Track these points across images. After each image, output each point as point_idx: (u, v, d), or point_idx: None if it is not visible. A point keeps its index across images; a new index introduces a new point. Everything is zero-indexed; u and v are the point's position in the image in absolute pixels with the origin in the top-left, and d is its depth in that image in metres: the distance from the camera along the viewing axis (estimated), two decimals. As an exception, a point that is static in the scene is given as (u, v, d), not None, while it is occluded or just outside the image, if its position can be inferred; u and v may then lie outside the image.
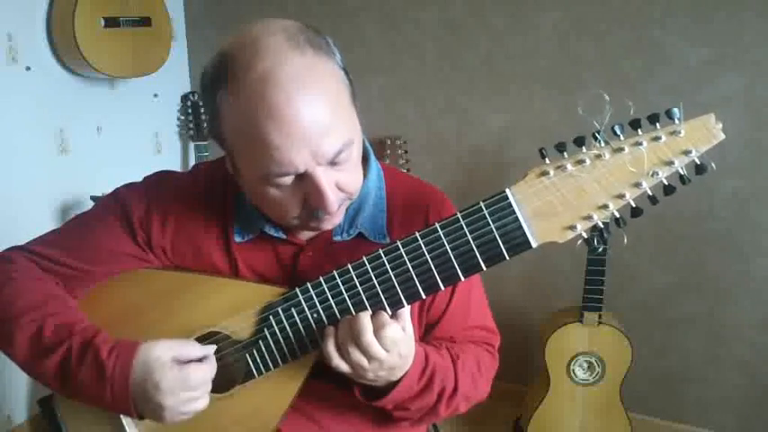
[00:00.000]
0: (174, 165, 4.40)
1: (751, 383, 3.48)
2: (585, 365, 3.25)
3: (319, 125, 1.30)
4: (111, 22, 3.59)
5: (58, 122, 3.72)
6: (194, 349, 1.50)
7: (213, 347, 1.52)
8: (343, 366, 1.41)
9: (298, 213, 1.44)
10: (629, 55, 3.36)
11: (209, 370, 1.49)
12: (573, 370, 3.25)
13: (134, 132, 4.21)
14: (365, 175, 1.59)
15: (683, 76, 3.28)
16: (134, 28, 3.71)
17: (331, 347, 1.42)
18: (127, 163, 4.10)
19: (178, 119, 4.35)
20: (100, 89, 3.96)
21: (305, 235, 1.61)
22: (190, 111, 4.19)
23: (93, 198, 3.70)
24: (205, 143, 4.16)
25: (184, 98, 4.23)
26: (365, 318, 1.38)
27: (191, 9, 4.47)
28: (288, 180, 1.37)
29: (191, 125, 4.18)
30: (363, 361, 1.38)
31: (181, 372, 1.44)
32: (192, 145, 4.32)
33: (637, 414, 3.58)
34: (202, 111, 4.16)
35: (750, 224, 3.31)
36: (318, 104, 1.30)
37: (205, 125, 4.09)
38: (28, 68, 3.54)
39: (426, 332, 1.69)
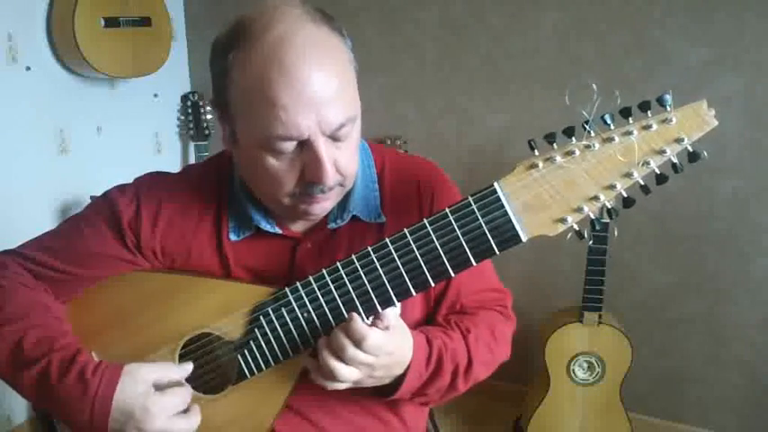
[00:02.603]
0: (174, 165, 4.40)
1: (751, 383, 3.47)
2: (585, 365, 3.25)
3: (328, 93, 1.33)
4: (111, 22, 3.60)
5: (58, 122, 3.73)
6: (174, 372, 1.51)
7: (190, 365, 1.53)
8: (339, 386, 1.43)
9: (291, 188, 1.44)
10: (629, 55, 3.36)
11: (186, 395, 1.51)
12: (573, 370, 3.25)
13: (134, 132, 4.21)
14: None
15: (683, 76, 3.28)
16: (134, 28, 3.72)
17: (318, 378, 1.44)
18: (127, 163, 4.08)
19: (178, 119, 4.36)
20: (100, 89, 3.96)
21: (300, 227, 1.62)
22: (190, 111, 4.20)
23: (92, 198, 3.69)
24: (205, 143, 4.18)
25: (184, 98, 4.24)
26: (341, 338, 1.39)
27: (191, 9, 4.47)
28: (288, 147, 1.37)
29: (191, 125, 4.19)
30: (354, 372, 1.40)
31: (164, 396, 1.45)
32: (192, 145, 4.34)
33: (637, 414, 3.58)
34: (202, 110, 4.20)
35: (750, 224, 3.30)
36: (329, 73, 1.33)
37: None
38: (28, 68, 3.54)
39: (437, 303, 1.70)
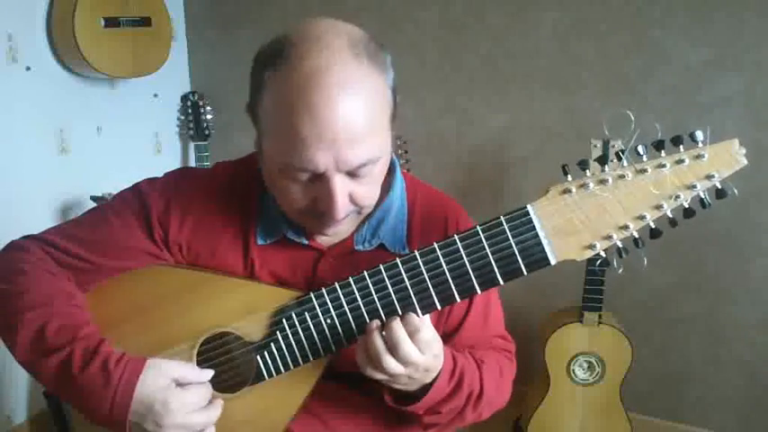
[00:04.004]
0: (175, 165, 4.34)
1: (751, 383, 3.49)
2: (585, 365, 3.26)
3: (351, 135, 1.32)
4: (111, 22, 3.58)
5: (58, 122, 3.71)
6: (195, 374, 1.51)
7: (211, 372, 1.53)
8: (378, 375, 1.43)
9: (303, 208, 1.46)
10: (629, 55, 3.37)
11: (206, 394, 1.52)
12: (573, 370, 3.27)
13: (134, 132, 4.20)
14: (390, 188, 1.62)
15: (683, 76, 3.28)
16: (134, 28, 3.70)
17: (364, 360, 1.44)
18: (127, 163, 4.09)
19: (178, 119, 4.35)
20: (100, 89, 3.94)
21: (327, 241, 1.62)
22: (190, 111, 4.19)
23: (93, 198, 3.69)
24: (205, 143, 4.18)
25: (184, 98, 4.23)
26: (399, 330, 1.39)
27: (191, 9, 4.45)
28: (304, 176, 1.38)
29: (191, 125, 4.18)
30: (400, 368, 1.40)
31: (185, 392, 1.46)
32: (192, 145, 4.32)
33: (637, 414, 3.60)
34: (202, 110, 4.19)
35: (750, 224, 3.32)
36: (356, 116, 1.32)
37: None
38: (28, 68, 3.52)
39: (444, 342, 1.69)
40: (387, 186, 1.61)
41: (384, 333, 1.42)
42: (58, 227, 1.69)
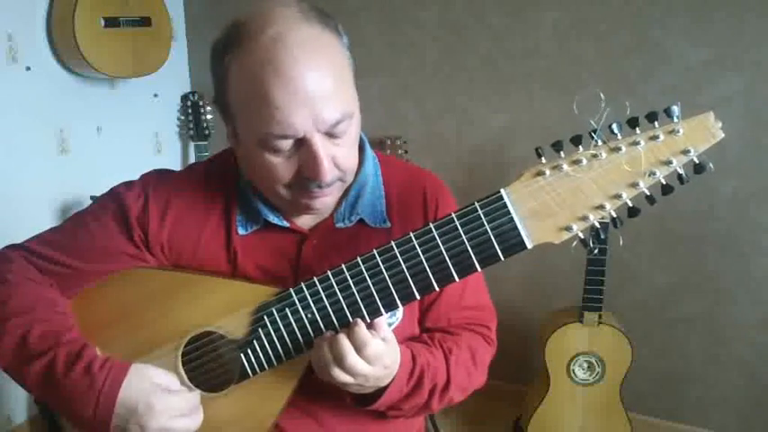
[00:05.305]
0: (174, 165, 4.38)
1: (751, 383, 3.48)
2: (585, 365, 3.25)
3: (322, 91, 1.35)
4: (111, 22, 3.59)
5: (58, 122, 3.72)
6: (176, 386, 1.52)
7: (198, 393, 1.54)
8: (330, 380, 1.42)
9: (289, 181, 1.46)
10: (629, 55, 3.36)
11: (194, 400, 1.52)
12: (573, 370, 3.25)
13: (134, 132, 4.21)
14: (362, 164, 1.62)
15: (683, 77, 3.28)
16: (134, 28, 3.71)
17: (315, 367, 1.45)
18: (127, 163, 4.08)
19: (178, 119, 4.35)
20: (100, 89, 3.95)
21: (307, 223, 1.63)
22: (190, 111, 4.19)
23: (92, 198, 3.68)
24: (205, 143, 4.18)
25: (184, 98, 4.23)
26: (344, 341, 1.39)
27: (191, 9, 4.46)
28: (285, 145, 1.39)
29: (191, 125, 4.18)
30: (347, 378, 1.40)
31: (170, 396, 1.46)
32: (192, 145, 4.33)
33: (637, 414, 3.58)
34: (202, 110, 4.20)
35: (750, 224, 3.31)
36: (323, 71, 1.35)
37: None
38: (28, 68, 3.54)
39: (425, 311, 1.70)
40: (359, 163, 1.61)
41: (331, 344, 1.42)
42: (41, 234, 1.69)
